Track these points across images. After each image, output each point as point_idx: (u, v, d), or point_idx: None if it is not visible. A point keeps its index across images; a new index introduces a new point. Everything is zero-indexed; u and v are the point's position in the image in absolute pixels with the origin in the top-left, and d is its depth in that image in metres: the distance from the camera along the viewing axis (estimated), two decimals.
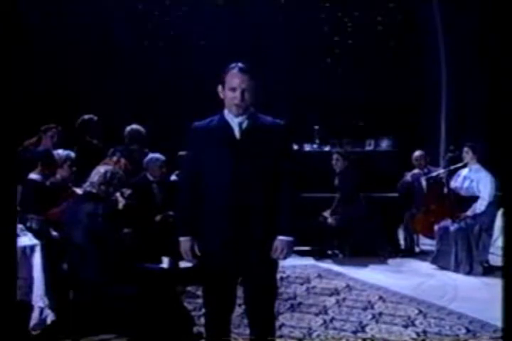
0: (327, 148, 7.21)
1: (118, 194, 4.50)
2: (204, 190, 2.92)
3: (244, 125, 2.91)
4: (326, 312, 4.57)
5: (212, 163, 2.89)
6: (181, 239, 2.97)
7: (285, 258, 2.93)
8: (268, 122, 2.96)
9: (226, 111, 2.94)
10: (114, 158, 5.33)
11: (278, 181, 2.90)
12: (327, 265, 6.17)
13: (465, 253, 5.84)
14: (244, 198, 2.85)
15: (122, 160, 5.33)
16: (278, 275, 3.20)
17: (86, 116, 6.29)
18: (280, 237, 2.89)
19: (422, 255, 6.55)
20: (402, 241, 6.75)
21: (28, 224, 4.23)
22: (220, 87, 2.93)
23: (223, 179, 2.86)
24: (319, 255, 6.45)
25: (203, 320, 3.94)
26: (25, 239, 3.96)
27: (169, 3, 8.34)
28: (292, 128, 3.05)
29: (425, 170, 6.77)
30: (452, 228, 5.95)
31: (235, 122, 2.91)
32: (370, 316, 4.49)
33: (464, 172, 6.11)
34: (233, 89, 2.86)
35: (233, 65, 2.90)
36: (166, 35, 8.24)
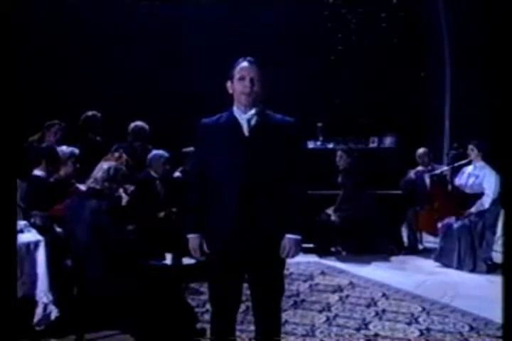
0: (331, 145, 7.21)
1: (121, 190, 4.51)
2: (212, 187, 2.89)
3: (253, 122, 2.88)
4: (329, 310, 4.57)
5: (221, 160, 2.86)
6: (189, 236, 2.95)
7: (293, 256, 2.90)
8: (277, 119, 2.93)
9: (235, 108, 2.92)
10: (116, 154, 5.32)
11: (287, 179, 2.87)
12: (330, 262, 6.16)
13: (468, 251, 5.84)
14: (253, 196, 2.82)
15: (124, 156, 5.33)
16: None
17: (89, 113, 6.29)
18: (288, 236, 2.86)
19: (426, 252, 6.54)
20: (405, 239, 6.74)
21: (32, 221, 4.24)
22: (228, 83, 2.91)
23: (231, 176, 2.83)
24: (323, 252, 6.44)
25: (206, 317, 3.98)
26: (29, 235, 3.97)
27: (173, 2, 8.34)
28: (301, 126, 3.01)
29: (429, 168, 6.77)
30: (456, 225, 5.94)
31: (244, 119, 2.88)
32: (373, 313, 4.49)
33: (469, 169, 6.10)
34: (242, 79, 2.84)
35: (241, 58, 2.90)
36: (168, 33, 8.22)
